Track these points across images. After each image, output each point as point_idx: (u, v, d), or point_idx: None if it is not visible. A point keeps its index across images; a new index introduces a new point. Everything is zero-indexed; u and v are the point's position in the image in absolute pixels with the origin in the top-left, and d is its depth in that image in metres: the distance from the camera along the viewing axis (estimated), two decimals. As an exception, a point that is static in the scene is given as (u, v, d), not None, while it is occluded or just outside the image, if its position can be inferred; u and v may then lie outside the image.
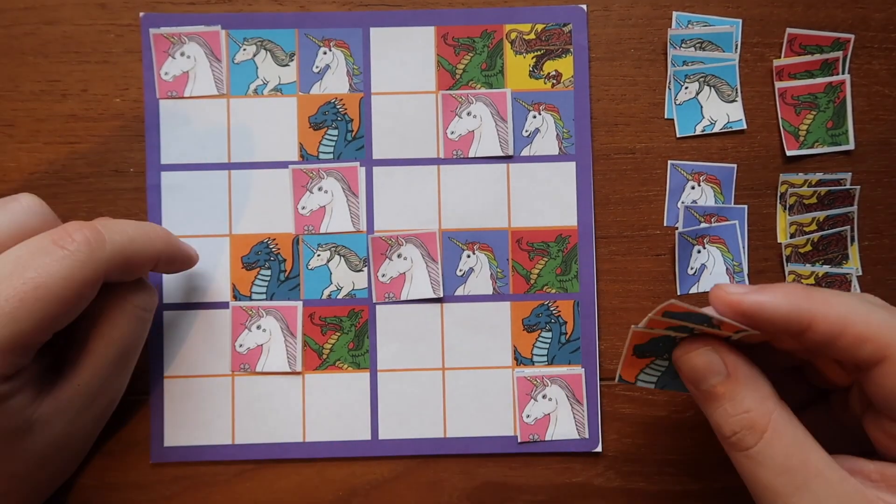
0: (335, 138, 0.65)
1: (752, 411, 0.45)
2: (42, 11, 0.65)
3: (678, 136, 0.66)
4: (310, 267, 0.65)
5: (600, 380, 0.65)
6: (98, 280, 0.51)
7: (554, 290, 0.65)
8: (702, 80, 0.66)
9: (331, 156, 0.65)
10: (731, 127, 0.66)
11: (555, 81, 0.66)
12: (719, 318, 0.46)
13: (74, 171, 0.65)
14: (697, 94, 0.66)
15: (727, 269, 0.65)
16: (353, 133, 0.65)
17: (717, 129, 0.66)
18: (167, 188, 0.65)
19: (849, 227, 0.65)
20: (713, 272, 0.66)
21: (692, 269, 0.65)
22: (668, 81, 0.66)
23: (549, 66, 0.66)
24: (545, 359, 0.65)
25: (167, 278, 0.65)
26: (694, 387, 0.49)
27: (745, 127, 0.66)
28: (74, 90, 0.65)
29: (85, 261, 0.49)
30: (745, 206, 0.66)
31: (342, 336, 0.65)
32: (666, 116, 0.66)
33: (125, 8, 0.65)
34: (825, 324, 0.44)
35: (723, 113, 0.66)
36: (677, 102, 0.66)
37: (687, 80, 0.66)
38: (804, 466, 0.44)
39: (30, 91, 0.65)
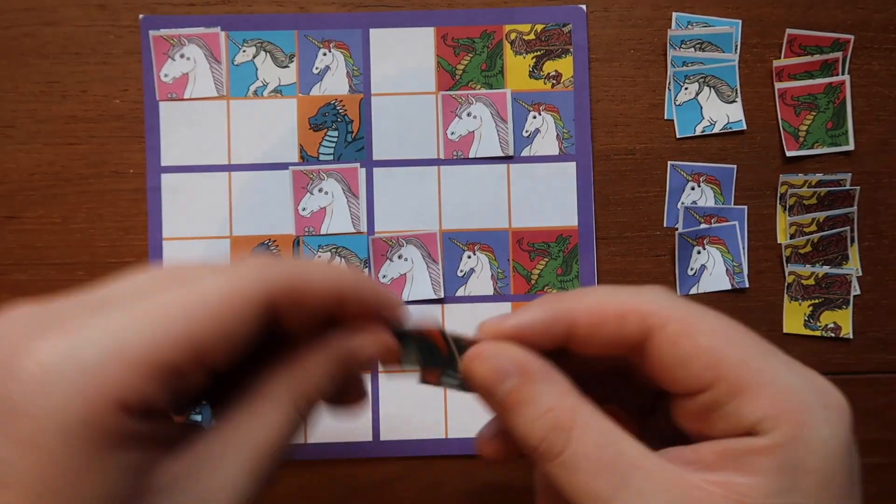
0: (335, 139, 0.65)
1: (554, 409, 0.41)
2: (42, 12, 0.65)
3: (678, 136, 0.66)
4: (310, 268, 0.65)
5: (601, 380, 0.65)
6: (262, 300, 0.40)
7: (555, 291, 0.65)
8: (702, 80, 0.66)
9: (331, 157, 0.65)
10: (730, 127, 0.66)
11: (555, 82, 0.66)
12: (471, 338, 0.43)
13: (74, 171, 0.65)
14: (697, 94, 0.66)
15: (727, 269, 0.65)
16: (354, 134, 0.65)
17: (716, 130, 0.66)
18: (167, 190, 0.65)
19: (849, 227, 0.65)
20: (713, 273, 0.66)
21: (692, 269, 0.65)
22: (667, 82, 0.66)
23: (549, 67, 0.66)
24: (546, 359, 0.65)
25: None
26: (490, 398, 0.43)
27: (744, 127, 0.66)
28: (74, 91, 0.65)
29: (246, 274, 0.40)
30: (745, 207, 0.66)
31: (343, 337, 0.65)
32: (666, 117, 0.66)
33: (125, 9, 0.65)
34: (585, 316, 0.42)
35: (723, 113, 0.66)
36: (677, 103, 0.66)
37: (687, 81, 0.66)
38: (620, 459, 0.40)
39: (29, 92, 0.65)
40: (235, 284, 0.39)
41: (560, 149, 0.65)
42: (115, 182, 0.65)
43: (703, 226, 0.65)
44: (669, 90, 0.66)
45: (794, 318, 0.66)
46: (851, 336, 0.66)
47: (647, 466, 0.41)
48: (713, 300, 0.66)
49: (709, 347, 0.41)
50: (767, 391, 0.40)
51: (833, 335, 0.66)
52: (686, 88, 0.66)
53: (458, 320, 0.65)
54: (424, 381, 0.46)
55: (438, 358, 0.46)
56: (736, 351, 0.41)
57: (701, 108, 0.66)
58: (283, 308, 0.41)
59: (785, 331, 0.66)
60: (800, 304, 0.66)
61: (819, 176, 0.66)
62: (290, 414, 0.42)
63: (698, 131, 0.66)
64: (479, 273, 0.65)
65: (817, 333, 0.66)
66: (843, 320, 0.66)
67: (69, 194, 0.65)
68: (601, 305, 0.42)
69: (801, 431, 0.40)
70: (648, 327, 0.42)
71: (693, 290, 0.66)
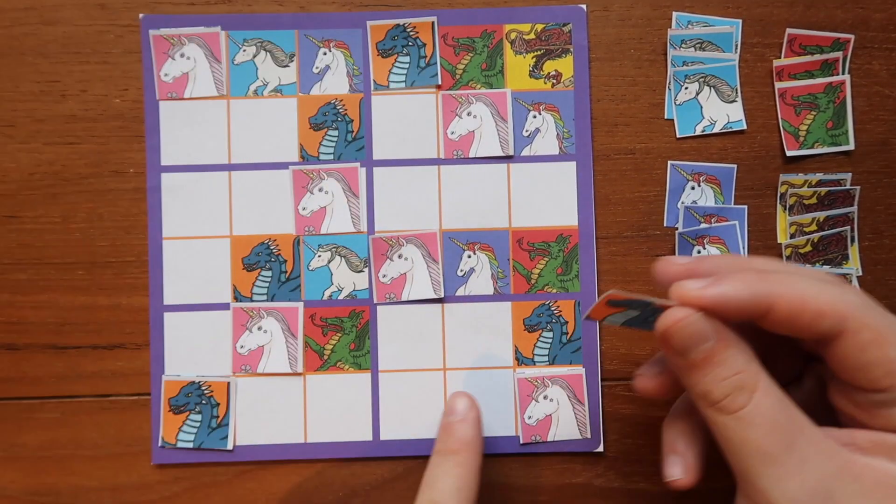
0: (335, 139, 0.65)
1: (742, 372, 0.46)
2: (42, 12, 0.65)
3: (678, 136, 0.66)
4: (310, 268, 0.65)
5: (602, 380, 0.65)
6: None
7: (555, 290, 0.65)
8: (702, 80, 0.66)
9: (331, 156, 0.65)
10: (731, 127, 0.66)
11: (555, 81, 0.66)
12: (662, 302, 0.47)
13: (74, 171, 0.65)
14: (697, 94, 0.66)
15: (727, 269, 0.65)
16: (354, 133, 0.65)
17: (717, 130, 0.66)
18: (167, 189, 0.65)
19: (849, 227, 0.65)
20: (713, 272, 0.66)
21: (693, 269, 0.66)
22: (668, 82, 0.66)
23: (549, 66, 0.66)
24: (546, 359, 0.65)
25: (167, 279, 0.65)
26: (682, 356, 0.47)
27: (745, 127, 0.66)
28: (74, 90, 0.65)
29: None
30: (745, 207, 0.66)
31: (343, 337, 0.65)
32: (666, 117, 0.66)
33: (125, 8, 0.65)
34: (785, 305, 0.45)
35: (723, 113, 0.66)
36: (677, 103, 0.66)
37: (687, 81, 0.66)
38: (791, 424, 0.44)
39: (29, 91, 0.65)
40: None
41: (560, 148, 0.65)
42: (115, 182, 0.65)
43: (703, 225, 0.65)
44: (669, 90, 0.66)
45: (794, 318, 0.66)
46: (852, 336, 0.66)
47: (812, 435, 0.45)
48: (713, 300, 0.66)
49: (895, 358, 0.44)
50: None
51: (833, 335, 0.66)
52: (686, 88, 0.66)
53: (458, 320, 0.65)
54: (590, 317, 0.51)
55: (634, 319, 0.52)
56: None
57: (701, 107, 0.66)
58: None
59: (786, 330, 0.66)
60: (800, 304, 0.66)
61: (819, 175, 0.66)
62: None
63: (698, 131, 0.66)
64: (479, 272, 0.65)
65: (818, 333, 0.66)
66: (843, 320, 0.66)
67: (69, 194, 0.65)
68: (803, 298, 0.45)
69: None
70: (842, 329, 0.44)
71: (693, 290, 0.66)
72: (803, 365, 0.54)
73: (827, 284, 0.46)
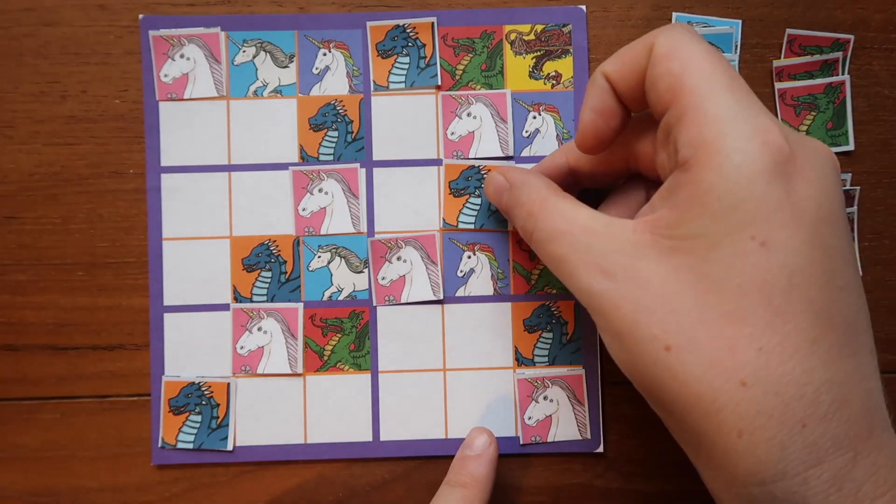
0: (335, 140, 0.65)
1: (527, 203, 0.53)
2: (41, 13, 0.65)
3: (678, 137, 0.66)
4: (310, 268, 0.65)
5: (602, 381, 0.65)
6: None
7: (555, 291, 0.65)
8: (701, 80, 0.66)
9: (331, 157, 0.65)
10: (730, 128, 0.66)
11: (554, 82, 0.66)
12: None
13: (74, 172, 0.65)
14: (697, 94, 0.66)
15: (727, 269, 0.65)
16: (353, 134, 0.65)
17: (716, 131, 0.66)
18: (167, 190, 0.65)
19: (849, 227, 0.65)
20: (713, 273, 0.66)
21: (692, 269, 0.65)
22: (667, 82, 0.66)
23: (549, 67, 0.66)
24: (546, 359, 0.65)
25: (167, 279, 0.65)
26: (501, 210, 0.59)
27: (744, 128, 0.66)
28: (74, 91, 0.65)
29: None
30: (746, 207, 0.66)
31: (343, 337, 0.65)
32: (666, 116, 0.66)
33: (125, 9, 0.65)
34: (613, 66, 0.51)
35: (722, 114, 0.66)
36: (677, 103, 0.66)
37: (687, 81, 0.66)
38: (572, 226, 0.49)
39: (29, 92, 0.65)
40: None
41: (560, 149, 0.65)
42: (115, 182, 0.65)
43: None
44: (669, 90, 0.66)
45: (794, 319, 0.66)
46: (852, 336, 0.66)
47: (593, 226, 0.49)
48: (713, 300, 0.66)
49: (676, 72, 0.45)
50: (700, 118, 0.43)
51: (833, 335, 0.66)
52: (686, 89, 0.66)
53: (458, 321, 0.65)
54: None
55: None
56: (697, 80, 0.44)
57: (701, 108, 0.66)
58: None
59: (785, 331, 0.66)
60: (800, 304, 0.66)
61: (819, 176, 0.66)
62: None
63: (698, 132, 0.66)
64: (479, 273, 0.65)
65: (818, 333, 0.66)
66: (843, 320, 0.66)
67: (69, 194, 0.65)
68: (624, 49, 0.50)
69: (713, 158, 0.43)
70: (649, 53, 0.47)
71: (693, 291, 0.66)
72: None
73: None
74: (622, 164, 0.56)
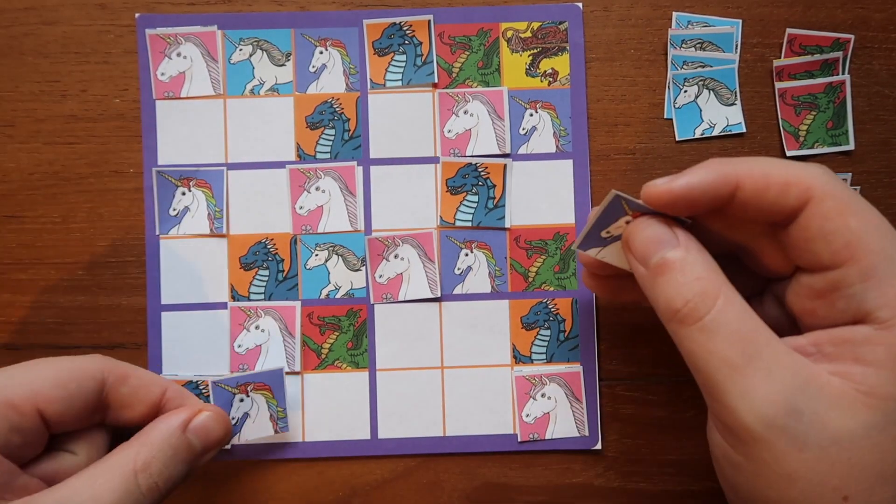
0: (332, 138, 0.65)
1: (704, 278, 0.46)
2: (42, 12, 0.65)
3: (677, 139, 0.66)
4: (308, 267, 0.65)
5: (601, 380, 0.65)
6: (96, 375, 0.54)
7: (552, 288, 0.65)
8: (701, 83, 0.66)
9: (328, 155, 0.65)
10: (730, 130, 0.66)
11: (551, 79, 0.66)
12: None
13: (74, 171, 0.65)
14: (697, 97, 0.66)
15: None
16: (350, 132, 0.65)
17: (716, 133, 0.66)
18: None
19: None
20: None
21: (691, 268, 0.65)
22: (668, 82, 0.66)
23: (546, 65, 0.66)
24: (544, 357, 0.65)
25: (164, 278, 0.65)
26: (644, 263, 0.49)
27: (744, 130, 0.66)
28: (74, 90, 0.66)
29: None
30: (745, 206, 0.66)
31: (341, 335, 0.65)
32: (665, 116, 0.66)
33: (124, 9, 0.66)
34: (751, 182, 0.45)
35: (722, 116, 0.66)
36: (676, 106, 0.66)
37: (686, 84, 0.66)
38: (755, 335, 0.44)
39: (29, 91, 0.65)
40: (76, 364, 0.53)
41: (557, 146, 0.65)
42: (115, 182, 0.65)
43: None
44: (669, 90, 0.66)
45: (794, 317, 0.66)
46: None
47: (777, 347, 0.44)
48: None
49: (855, 229, 0.44)
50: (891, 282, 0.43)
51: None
52: (685, 91, 0.66)
53: (455, 318, 0.65)
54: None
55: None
56: (879, 240, 0.44)
57: (700, 110, 0.66)
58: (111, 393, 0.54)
59: (785, 329, 0.66)
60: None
61: (819, 175, 0.66)
62: (130, 485, 0.49)
63: (697, 134, 0.66)
64: (477, 271, 0.65)
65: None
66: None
67: (69, 194, 0.65)
68: (768, 172, 0.46)
69: None
70: (807, 199, 0.45)
71: (693, 290, 0.66)
72: (763, 286, 0.54)
73: (790, 162, 0.46)
74: (730, 246, 0.53)
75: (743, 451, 0.44)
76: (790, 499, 0.44)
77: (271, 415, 0.64)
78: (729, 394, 0.43)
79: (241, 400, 0.64)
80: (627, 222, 0.50)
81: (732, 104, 0.66)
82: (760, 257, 0.51)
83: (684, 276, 0.46)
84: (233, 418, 0.64)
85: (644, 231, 0.49)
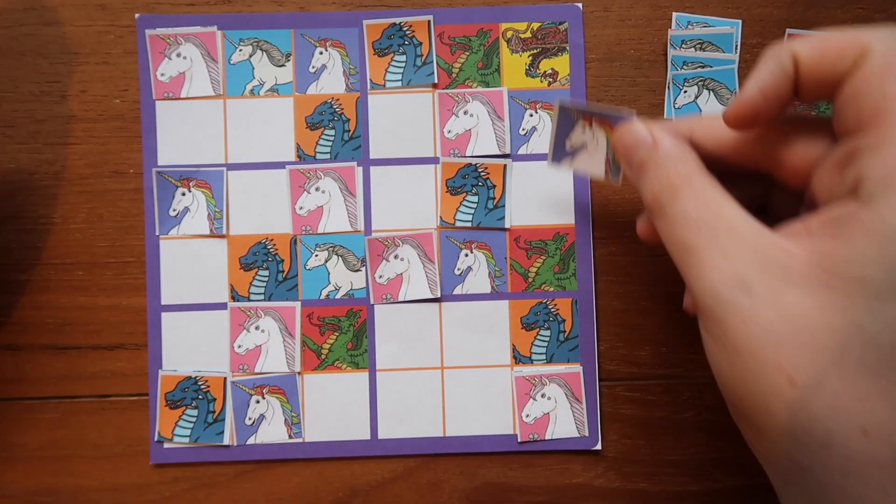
0: (332, 138, 0.65)
1: (671, 172, 0.48)
2: (41, 12, 0.65)
3: (677, 139, 0.66)
4: (308, 267, 0.65)
5: (602, 380, 0.65)
6: None
7: (552, 289, 0.65)
8: (701, 83, 0.66)
9: (328, 156, 0.65)
10: (730, 130, 0.66)
11: (551, 80, 0.66)
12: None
13: (74, 171, 0.65)
14: (696, 97, 0.66)
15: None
16: (350, 133, 0.65)
17: (716, 133, 0.66)
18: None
19: None
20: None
21: (691, 268, 0.65)
22: (667, 82, 0.66)
23: (546, 65, 0.66)
24: (544, 357, 0.65)
25: (164, 279, 0.65)
26: (630, 167, 0.52)
27: (744, 129, 0.66)
28: (74, 91, 0.66)
29: None
30: (745, 206, 0.66)
31: (341, 336, 0.65)
32: (665, 117, 0.66)
33: (124, 9, 0.66)
34: (807, 53, 0.44)
35: (722, 116, 0.66)
36: (676, 106, 0.66)
37: (686, 84, 0.66)
38: (716, 220, 0.45)
39: (29, 92, 0.65)
40: None
41: (557, 146, 0.65)
42: (115, 182, 0.65)
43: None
44: (669, 91, 0.66)
45: (794, 317, 0.66)
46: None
47: (739, 227, 0.44)
48: (712, 299, 0.66)
49: (890, 94, 0.41)
50: (893, 153, 0.40)
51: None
52: (685, 91, 0.66)
53: (455, 319, 0.65)
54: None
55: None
56: None
57: (700, 111, 0.66)
58: None
59: (785, 329, 0.66)
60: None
61: (819, 174, 0.65)
62: None
63: (698, 133, 0.66)
64: (477, 271, 0.65)
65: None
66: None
67: (69, 194, 0.65)
68: (824, 38, 0.44)
69: None
70: (862, 59, 0.42)
71: (693, 290, 0.66)
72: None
73: (851, 29, 0.44)
74: (756, 158, 0.51)
75: (704, 328, 0.45)
76: (736, 376, 0.43)
77: (286, 419, 0.64)
78: (688, 276, 0.45)
79: (258, 402, 0.64)
80: (584, 129, 0.55)
81: (732, 104, 0.66)
82: (789, 172, 0.50)
83: (656, 171, 0.49)
84: (249, 419, 0.64)
85: (623, 137, 0.53)
